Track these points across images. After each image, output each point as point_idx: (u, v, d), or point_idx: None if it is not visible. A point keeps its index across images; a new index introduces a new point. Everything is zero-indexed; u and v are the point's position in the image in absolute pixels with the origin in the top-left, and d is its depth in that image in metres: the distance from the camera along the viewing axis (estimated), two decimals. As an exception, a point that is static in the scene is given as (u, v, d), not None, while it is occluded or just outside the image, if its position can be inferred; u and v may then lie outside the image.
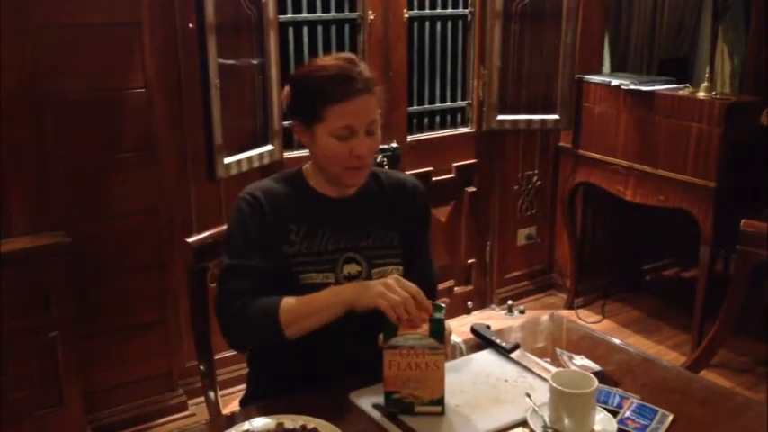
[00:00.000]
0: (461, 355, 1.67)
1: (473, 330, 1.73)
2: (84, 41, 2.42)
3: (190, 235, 1.84)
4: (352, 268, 1.59)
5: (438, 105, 3.54)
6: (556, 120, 3.51)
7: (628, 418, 1.39)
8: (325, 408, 1.39)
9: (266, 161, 2.78)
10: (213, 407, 1.80)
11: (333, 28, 3.10)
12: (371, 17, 3.12)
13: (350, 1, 3.13)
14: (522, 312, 3.76)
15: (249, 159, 2.71)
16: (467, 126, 3.64)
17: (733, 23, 3.96)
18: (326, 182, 1.62)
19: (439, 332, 1.35)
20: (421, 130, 3.51)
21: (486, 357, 1.64)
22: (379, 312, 1.37)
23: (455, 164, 3.59)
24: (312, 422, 1.33)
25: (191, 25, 2.61)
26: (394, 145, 3.22)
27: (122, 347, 2.68)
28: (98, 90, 2.48)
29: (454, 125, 3.62)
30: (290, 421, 1.34)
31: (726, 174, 3.03)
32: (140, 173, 2.60)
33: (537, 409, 1.37)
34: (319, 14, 3.06)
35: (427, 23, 3.41)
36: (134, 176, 2.59)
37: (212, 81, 2.48)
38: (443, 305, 1.42)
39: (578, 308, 3.79)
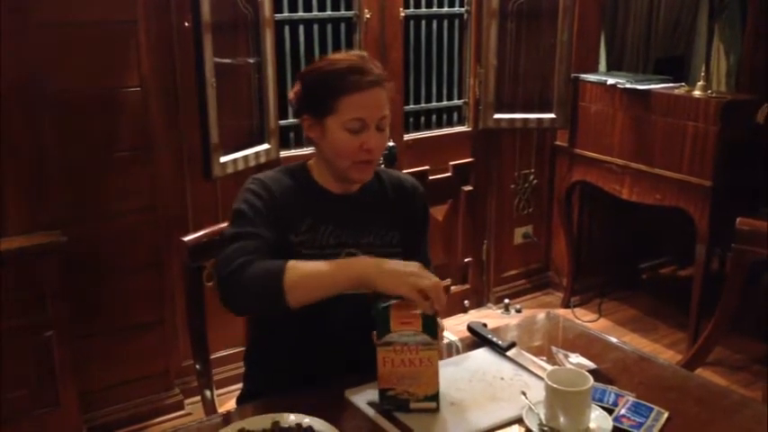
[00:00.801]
0: (458, 353, 1.67)
1: (470, 329, 1.74)
2: (79, 40, 2.42)
3: (186, 234, 1.83)
4: None
5: (434, 104, 3.54)
6: (552, 118, 3.51)
7: (623, 415, 1.39)
8: (320, 405, 1.39)
9: (262, 160, 2.78)
10: (209, 406, 1.80)
11: (329, 27, 3.10)
12: (368, 16, 3.12)
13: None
14: (518, 311, 3.77)
15: (245, 158, 2.70)
16: (463, 125, 3.64)
17: (729, 22, 3.97)
18: (331, 177, 1.62)
19: (431, 328, 1.35)
20: (417, 129, 3.51)
21: (482, 355, 1.64)
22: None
23: (452, 163, 3.59)
24: (307, 420, 1.33)
25: (187, 24, 2.60)
26: (390, 144, 3.22)
27: (118, 347, 2.68)
28: (94, 89, 2.48)
29: (451, 124, 3.62)
30: (286, 420, 1.34)
31: (722, 172, 3.03)
32: (136, 172, 2.59)
33: (533, 406, 1.38)
34: (315, 13, 3.06)
35: (423, 22, 3.40)
36: (130, 175, 2.59)
37: (208, 80, 2.48)
38: None
39: (575, 306, 3.80)
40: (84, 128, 2.48)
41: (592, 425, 1.33)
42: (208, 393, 1.81)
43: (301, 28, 3.03)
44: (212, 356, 1.89)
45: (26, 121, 2.37)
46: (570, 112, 3.55)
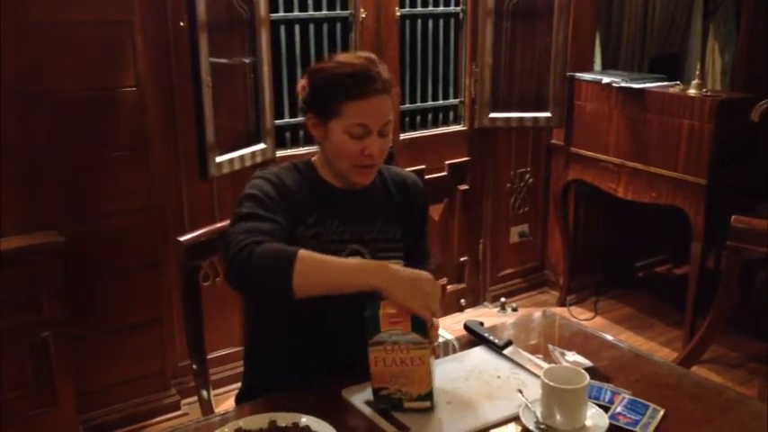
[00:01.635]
0: (454, 351, 1.67)
1: (466, 327, 1.74)
2: (75, 40, 2.41)
3: (182, 234, 1.84)
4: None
5: (430, 103, 3.54)
6: (548, 117, 3.52)
7: (619, 413, 1.39)
8: (317, 404, 1.39)
9: (258, 159, 2.78)
10: (206, 406, 1.80)
11: (325, 26, 3.10)
12: (363, 15, 3.12)
13: (342, -1, 3.14)
14: (514, 310, 3.77)
15: (242, 158, 2.70)
16: (459, 124, 3.64)
17: (724, 20, 3.98)
18: (335, 175, 1.63)
19: (421, 327, 1.35)
20: (414, 128, 3.51)
21: (478, 354, 1.64)
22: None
23: (448, 162, 3.59)
24: (304, 419, 1.33)
25: (182, 23, 2.60)
26: (387, 143, 3.22)
27: (115, 347, 2.67)
28: (89, 89, 2.47)
29: (446, 123, 3.63)
30: (283, 419, 1.34)
31: (717, 170, 3.04)
32: (132, 172, 2.59)
33: (529, 404, 1.38)
34: (311, 13, 3.06)
35: (419, 21, 3.41)
36: (126, 175, 2.58)
37: (204, 79, 2.48)
38: None
39: (571, 305, 3.80)
40: (80, 128, 2.48)
41: (588, 422, 1.34)
42: (204, 393, 1.81)
43: (297, 27, 3.03)
44: (209, 356, 1.89)
45: (22, 120, 2.37)
46: (566, 111, 3.55)
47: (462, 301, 3.80)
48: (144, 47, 2.55)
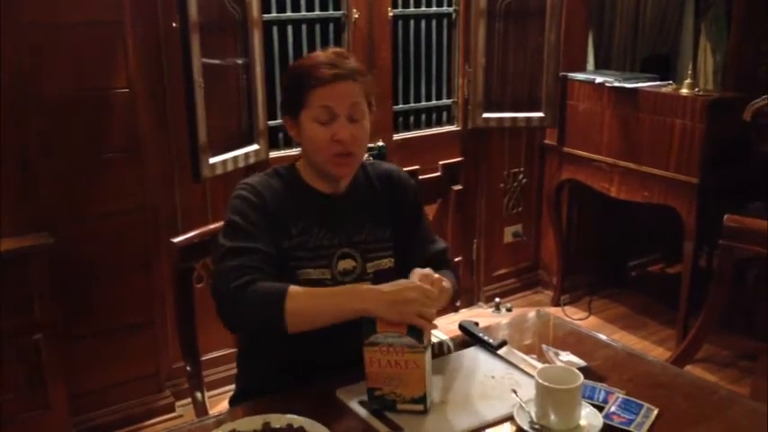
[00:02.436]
0: (449, 352, 1.67)
1: (461, 327, 1.74)
2: (66, 41, 2.40)
3: (175, 235, 1.83)
4: (347, 263, 1.60)
5: (423, 104, 3.54)
6: (541, 117, 3.52)
7: (613, 412, 1.39)
8: (311, 405, 1.39)
9: (251, 161, 2.77)
10: (200, 408, 1.79)
11: (317, 27, 3.10)
12: (356, 16, 3.12)
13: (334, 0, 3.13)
14: (509, 310, 3.77)
15: (234, 159, 2.70)
16: (452, 124, 3.64)
17: (715, 20, 3.99)
18: (318, 177, 1.62)
19: (416, 331, 1.35)
20: (407, 129, 3.51)
21: (473, 354, 1.64)
22: None
23: (441, 162, 3.58)
24: (298, 421, 1.33)
25: (174, 24, 2.59)
26: (380, 143, 3.22)
27: (108, 349, 2.66)
28: (81, 90, 2.47)
29: (440, 123, 3.63)
30: (277, 420, 1.34)
31: (709, 170, 3.05)
32: (125, 173, 2.58)
33: (523, 404, 1.38)
34: (304, 13, 3.05)
35: (412, 22, 3.41)
36: (118, 177, 2.57)
37: (196, 80, 2.47)
38: None
39: (565, 305, 3.81)
40: (72, 129, 2.47)
41: (582, 422, 1.34)
42: (198, 395, 1.80)
43: (289, 28, 3.03)
44: (203, 358, 1.89)
45: (13, 122, 2.36)
46: (559, 111, 3.56)
47: (456, 301, 3.80)
48: (135, 48, 2.54)
